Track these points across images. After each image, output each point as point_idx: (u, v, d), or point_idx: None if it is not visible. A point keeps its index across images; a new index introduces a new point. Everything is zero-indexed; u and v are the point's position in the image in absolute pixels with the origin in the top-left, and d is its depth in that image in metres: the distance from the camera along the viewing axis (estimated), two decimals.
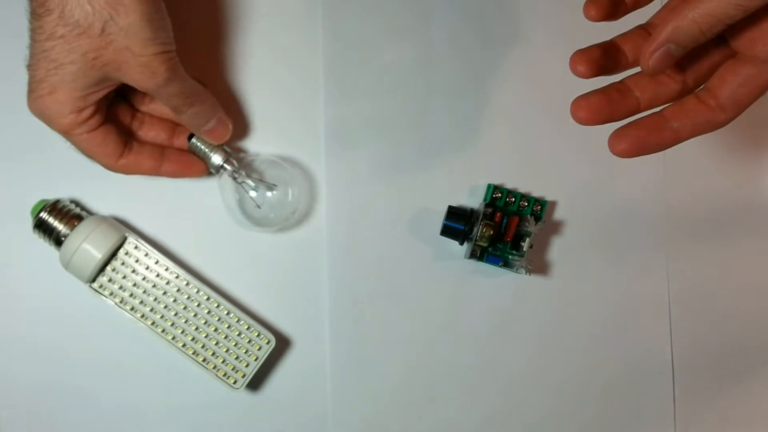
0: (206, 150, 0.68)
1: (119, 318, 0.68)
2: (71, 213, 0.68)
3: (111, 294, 0.68)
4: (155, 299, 0.68)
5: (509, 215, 0.71)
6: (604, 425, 0.76)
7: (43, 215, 0.67)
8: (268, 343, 0.69)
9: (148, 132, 0.68)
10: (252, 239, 0.73)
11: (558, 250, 0.76)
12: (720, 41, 0.50)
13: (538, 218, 0.73)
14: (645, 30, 0.54)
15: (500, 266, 0.71)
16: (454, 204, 0.73)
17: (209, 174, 0.70)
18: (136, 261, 0.68)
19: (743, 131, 0.78)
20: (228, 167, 0.68)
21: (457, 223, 0.71)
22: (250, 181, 0.69)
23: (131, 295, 0.68)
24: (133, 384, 0.72)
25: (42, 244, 0.68)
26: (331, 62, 0.74)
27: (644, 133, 0.51)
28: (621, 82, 0.53)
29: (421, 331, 0.75)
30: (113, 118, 0.64)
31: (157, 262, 0.68)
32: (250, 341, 0.69)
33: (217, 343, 0.68)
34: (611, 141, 0.51)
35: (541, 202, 0.73)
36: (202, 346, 0.68)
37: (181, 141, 0.69)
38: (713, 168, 0.77)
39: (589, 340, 0.76)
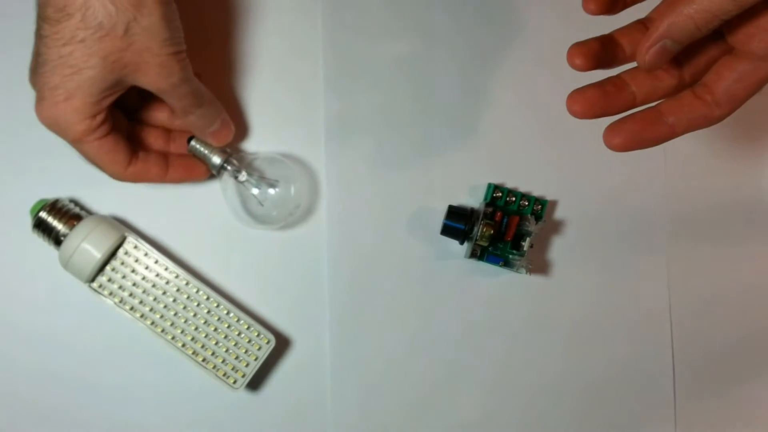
0: (206, 152, 0.68)
1: (119, 318, 0.68)
2: (70, 212, 0.68)
3: (110, 294, 0.68)
4: (155, 299, 0.68)
5: (509, 215, 0.71)
6: (605, 425, 0.76)
7: (43, 215, 0.67)
8: (267, 342, 0.69)
9: (146, 139, 0.68)
10: (251, 239, 0.73)
11: (558, 249, 0.76)
12: (717, 37, 0.50)
13: (538, 218, 0.72)
14: (643, 24, 0.54)
15: (500, 266, 0.71)
16: (455, 203, 0.73)
17: (211, 176, 0.70)
18: (136, 261, 0.68)
19: (744, 131, 0.78)
20: (229, 167, 0.69)
21: (458, 223, 0.71)
22: (251, 180, 0.69)
23: (131, 294, 0.68)
24: (133, 384, 0.72)
25: (41, 244, 0.68)
26: (331, 62, 0.74)
27: (639, 127, 0.51)
28: (617, 76, 0.53)
29: (421, 330, 0.74)
30: (117, 126, 0.64)
31: (156, 262, 0.68)
32: (249, 341, 0.69)
33: (216, 343, 0.68)
34: (606, 134, 0.51)
35: (541, 202, 0.73)
36: (202, 346, 0.68)
37: (176, 146, 0.69)
38: (714, 168, 0.77)
39: (588, 339, 0.76)
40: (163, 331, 0.68)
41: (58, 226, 0.67)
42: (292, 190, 0.70)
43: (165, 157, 0.67)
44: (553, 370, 0.76)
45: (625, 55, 0.53)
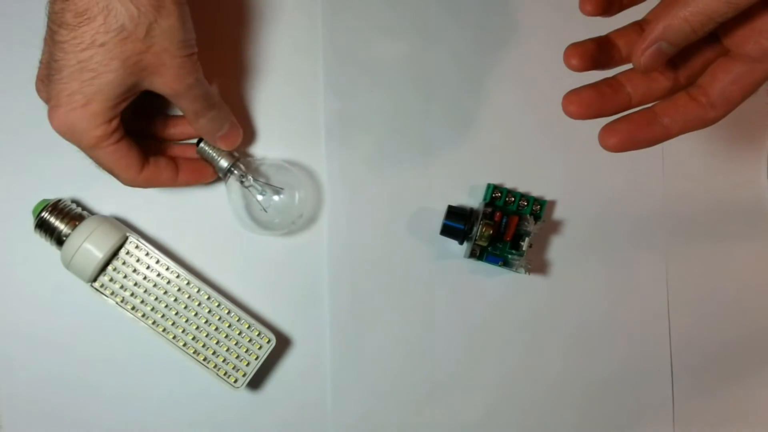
0: (214, 155, 0.69)
1: (120, 317, 0.69)
2: (72, 213, 0.68)
3: (112, 293, 0.68)
4: (156, 299, 0.68)
5: (509, 215, 0.71)
6: (603, 424, 0.76)
7: (45, 215, 0.67)
8: (268, 342, 0.69)
9: (151, 145, 0.69)
10: (252, 239, 0.73)
11: (557, 249, 0.76)
12: (712, 39, 0.50)
13: (537, 218, 0.73)
14: (640, 26, 0.54)
15: (500, 265, 0.71)
16: (454, 203, 0.74)
17: (218, 179, 0.71)
18: (137, 260, 0.68)
19: (741, 131, 0.78)
20: (236, 171, 0.69)
21: (457, 223, 0.72)
22: (257, 185, 0.69)
23: (132, 294, 0.68)
24: (134, 383, 0.72)
25: (43, 244, 0.69)
26: (331, 62, 0.75)
27: (634, 128, 0.51)
28: (613, 77, 0.53)
29: (420, 330, 0.75)
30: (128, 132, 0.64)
31: (158, 262, 0.69)
32: (250, 340, 0.69)
33: (217, 343, 0.69)
34: (602, 135, 0.52)
35: (540, 202, 0.73)
36: (203, 345, 0.69)
37: (177, 152, 0.70)
38: (712, 168, 0.77)
39: (587, 339, 0.76)
40: (164, 330, 0.68)
41: (60, 226, 0.67)
42: (297, 198, 0.70)
43: (174, 160, 0.68)
44: (552, 370, 0.76)
45: (621, 57, 0.53)
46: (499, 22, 0.76)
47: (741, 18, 0.46)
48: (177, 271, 0.69)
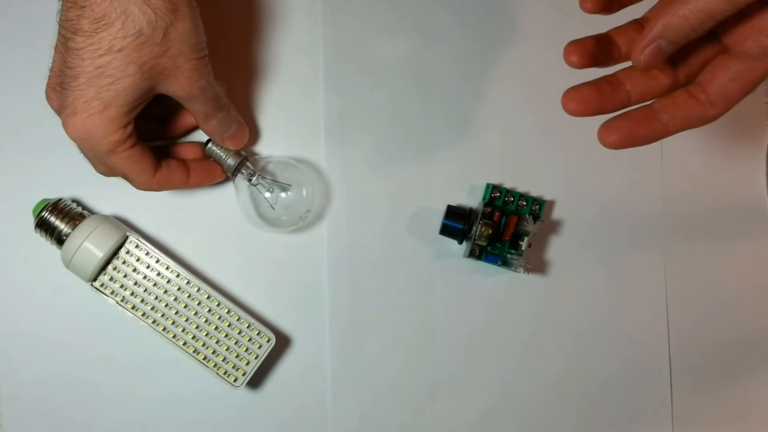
0: (223, 154, 0.69)
1: (120, 316, 0.69)
2: (72, 212, 0.68)
3: (112, 293, 0.68)
4: (156, 298, 0.68)
5: (508, 214, 0.72)
6: (602, 423, 0.76)
7: (45, 214, 0.67)
8: (268, 341, 0.69)
9: (160, 148, 0.69)
10: (252, 238, 0.73)
11: (556, 249, 0.76)
12: (711, 37, 0.51)
13: (536, 217, 0.73)
14: (639, 24, 0.54)
15: (499, 265, 0.71)
16: (453, 203, 0.74)
17: (227, 177, 0.71)
18: (137, 260, 0.69)
19: (740, 130, 0.78)
20: (243, 170, 0.69)
21: (456, 223, 0.72)
22: (264, 183, 0.70)
23: (132, 293, 0.68)
24: (134, 382, 0.72)
25: (43, 243, 0.69)
26: (331, 61, 0.75)
27: (633, 125, 0.51)
28: (612, 75, 0.53)
29: (420, 329, 0.75)
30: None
31: (158, 261, 0.69)
32: (250, 339, 0.69)
33: (217, 342, 0.69)
34: (601, 132, 0.52)
35: (539, 202, 0.73)
36: (203, 345, 0.69)
37: (186, 154, 0.71)
38: (711, 167, 0.78)
39: (586, 339, 0.76)
40: (164, 329, 0.68)
41: (61, 225, 0.67)
42: (304, 194, 0.70)
43: (184, 162, 0.68)
44: (551, 369, 0.76)
45: (620, 54, 0.53)
46: (499, 21, 0.76)
47: (740, 16, 0.47)
48: (177, 270, 0.69)
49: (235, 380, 0.69)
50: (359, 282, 0.74)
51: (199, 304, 0.69)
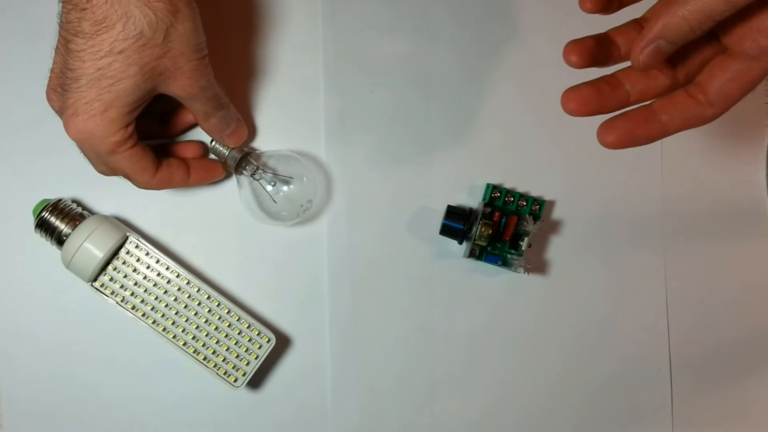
0: (225, 151, 0.70)
1: (120, 317, 0.69)
2: (73, 212, 0.68)
3: (112, 293, 0.68)
4: (156, 298, 0.69)
5: (508, 215, 0.72)
6: (602, 423, 0.76)
7: (45, 215, 0.67)
8: (268, 341, 0.70)
9: (160, 147, 0.69)
10: (252, 238, 0.74)
11: (556, 249, 0.76)
12: (711, 37, 0.50)
13: (536, 217, 0.73)
14: (639, 24, 0.54)
15: (499, 265, 0.71)
16: (453, 203, 0.74)
17: (229, 174, 0.72)
18: (137, 260, 0.69)
19: (739, 130, 0.78)
20: (246, 165, 0.69)
21: (456, 223, 0.72)
22: (266, 177, 0.70)
23: (132, 294, 0.68)
24: (134, 382, 0.73)
25: (44, 244, 0.69)
26: (331, 61, 0.75)
27: (633, 125, 0.51)
28: (612, 75, 0.53)
29: (420, 329, 0.75)
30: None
31: (158, 261, 0.69)
32: (250, 340, 0.69)
33: (217, 342, 0.69)
34: (600, 132, 0.52)
35: (539, 202, 0.73)
36: (203, 345, 0.69)
37: (185, 152, 0.71)
38: (711, 167, 0.78)
39: (586, 339, 0.76)
40: (164, 329, 0.68)
41: (61, 225, 0.67)
42: (305, 184, 0.70)
43: (184, 161, 0.68)
44: (551, 370, 0.76)
45: (620, 54, 0.53)
46: (499, 21, 0.76)
47: (739, 16, 0.47)
48: (177, 270, 0.69)
49: (235, 380, 0.69)
50: (359, 282, 0.74)
51: (199, 304, 0.69)
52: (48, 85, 0.60)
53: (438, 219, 0.73)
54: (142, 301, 0.68)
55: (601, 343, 0.76)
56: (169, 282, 0.69)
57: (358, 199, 0.75)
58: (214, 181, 0.72)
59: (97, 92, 0.57)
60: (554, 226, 0.76)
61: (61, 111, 0.59)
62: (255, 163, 0.70)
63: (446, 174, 0.75)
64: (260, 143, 0.74)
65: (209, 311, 0.69)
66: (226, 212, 0.73)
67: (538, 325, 0.76)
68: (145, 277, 0.69)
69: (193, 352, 0.68)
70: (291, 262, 0.74)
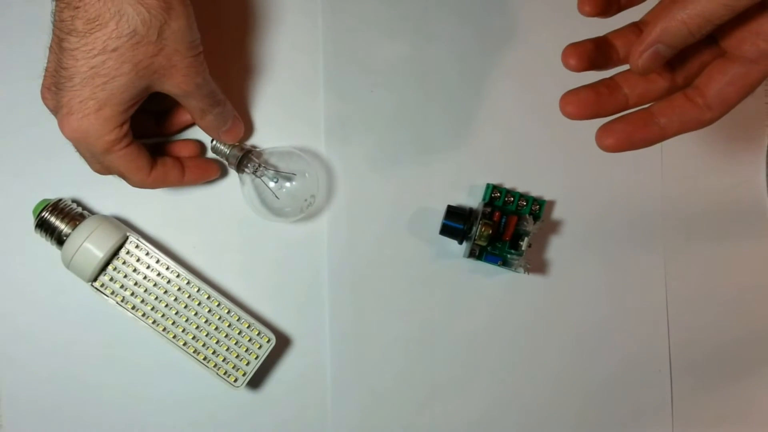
0: (227, 150, 0.70)
1: (121, 317, 0.69)
2: (73, 212, 0.68)
3: (112, 293, 0.68)
4: (156, 298, 0.69)
5: (508, 215, 0.72)
6: (602, 423, 0.76)
7: (45, 215, 0.68)
8: (268, 341, 0.70)
9: (155, 146, 0.70)
10: (252, 238, 0.74)
11: (556, 249, 0.76)
12: (709, 40, 0.50)
13: (536, 217, 0.73)
14: (638, 27, 0.54)
15: (499, 265, 0.71)
16: (453, 203, 0.74)
17: (225, 173, 0.72)
18: (138, 260, 0.69)
19: (739, 132, 0.78)
20: (248, 163, 0.70)
21: (456, 223, 0.72)
22: (268, 174, 0.70)
23: (132, 294, 0.68)
24: (134, 382, 0.73)
25: (44, 244, 0.69)
26: (331, 61, 0.75)
27: (631, 128, 0.51)
28: (610, 78, 0.53)
29: (420, 329, 0.75)
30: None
31: (158, 261, 0.69)
32: (250, 340, 0.69)
33: (217, 342, 0.69)
34: (599, 135, 0.52)
35: (539, 202, 0.73)
36: (203, 345, 0.69)
37: (181, 151, 0.71)
38: (710, 167, 0.78)
39: (586, 339, 0.76)
40: (164, 329, 0.68)
41: (61, 225, 0.67)
42: (307, 180, 0.70)
43: (179, 160, 0.69)
44: (551, 369, 0.76)
45: (618, 57, 0.53)
46: (499, 21, 0.76)
47: (738, 20, 0.46)
48: (177, 270, 0.69)
49: (236, 380, 0.69)
50: (359, 282, 0.74)
51: (199, 304, 0.69)
52: (42, 84, 0.60)
53: (438, 219, 0.73)
54: (142, 301, 0.68)
55: (601, 343, 0.76)
56: (169, 282, 0.69)
57: (358, 199, 0.75)
58: (209, 180, 0.72)
59: (91, 90, 0.56)
60: (554, 226, 0.76)
61: (55, 110, 0.59)
62: (257, 160, 0.70)
63: (446, 174, 0.75)
64: (261, 143, 0.74)
65: (209, 311, 0.69)
66: (226, 212, 0.73)
67: (538, 325, 0.76)
68: (145, 277, 0.69)
69: (193, 352, 0.69)
70: (291, 262, 0.74)
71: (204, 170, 0.70)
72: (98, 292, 0.68)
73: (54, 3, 0.56)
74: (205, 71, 0.62)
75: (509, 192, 0.73)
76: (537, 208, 0.73)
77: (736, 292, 0.78)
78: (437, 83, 0.76)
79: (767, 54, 0.48)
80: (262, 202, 0.70)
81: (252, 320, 0.70)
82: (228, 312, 0.69)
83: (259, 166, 0.70)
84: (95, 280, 0.68)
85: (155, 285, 0.69)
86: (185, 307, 0.69)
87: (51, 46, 0.58)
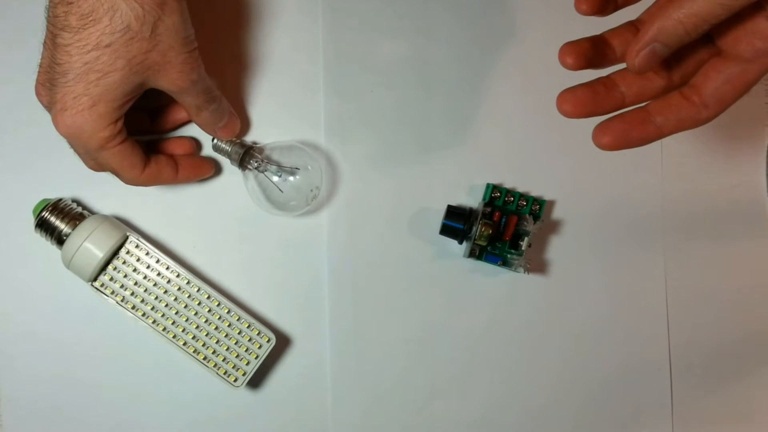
0: (228, 148, 0.70)
1: (121, 317, 0.69)
2: (73, 212, 0.68)
3: (112, 293, 0.68)
4: (156, 298, 0.69)
5: (508, 214, 0.72)
6: (602, 423, 0.76)
7: (45, 214, 0.68)
8: (268, 341, 0.70)
9: (149, 143, 0.70)
10: (252, 238, 0.74)
11: (556, 249, 0.76)
12: (706, 39, 0.50)
13: (536, 217, 0.73)
14: (634, 26, 0.54)
15: (499, 265, 0.71)
16: (453, 203, 0.74)
17: (219, 171, 0.72)
18: (138, 260, 0.69)
19: (740, 131, 0.78)
20: (251, 159, 0.70)
21: (456, 223, 0.72)
22: (271, 168, 0.70)
23: (132, 293, 0.68)
24: (135, 382, 0.73)
25: (44, 244, 0.69)
26: (331, 62, 0.75)
27: (628, 126, 0.52)
28: (607, 77, 0.53)
29: (420, 329, 0.75)
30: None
31: (158, 261, 0.69)
32: (250, 339, 0.69)
33: (217, 342, 0.69)
34: (595, 133, 0.52)
35: (539, 202, 0.73)
36: (203, 345, 0.69)
37: (175, 149, 0.71)
38: (710, 167, 0.77)
39: (586, 339, 0.76)
40: (164, 329, 0.68)
41: (61, 225, 0.67)
42: (310, 172, 0.70)
43: (173, 158, 0.69)
44: (551, 368, 0.76)
45: (615, 56, 0.53)
46: (499, 22, 0.76)
47: (734, 19, 0.46)
48: (177, 270, 0.69)
49: (236, 380, 0.69)
50: (359, 282, 0.74)
51: (199, 304, 0.69)
52: (37, 80, 0.60)
53: (438, 219, 0.73)
54: (142, 301, 0.68)
55: (601, 343, 0.76)
56: (169, 282, 0.69)
57: (358, 199, 0.75)
58: (203, 178, 0.72)
59: (85, 86, 0.56)
60: (554, 226, 0.76)
61: (49, 106, 0.59)
62: (259, 156, 0.70)
63: (446, 174, 0.75)
64: (261, 142, 0.73)
65: (209, 311, 0.69)
66: (226, 212, 0.73)
67: (538, 325, 0.76)
68: (145, 277, 0.69)
69: (193, 351, 0.69)
70: (291, 261, 0.74)
71: (198, 168, 0.71)
72: (98, 291, 0.68)
73: None
74: (200, 67, 0.62)
75: (509, 192, 0.73)
76: (537, 208, 0.73)
77: (736, 292, 0.77)
78: (437, 83, 0.76)
79: (763, 53, 0.48)
80: (266, 197, 0.71)
81: (252, 320, 0.70)
82: (228, 312, 0.69)
83: (262, 161, 0.70)
84: (95, 279, 0.68)
85: (155, 285, 0.69)
86: (185, 306, 0.69)
87: (45, 41, 0.58)
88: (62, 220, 0.68)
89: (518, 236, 0.71)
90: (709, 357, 0.77)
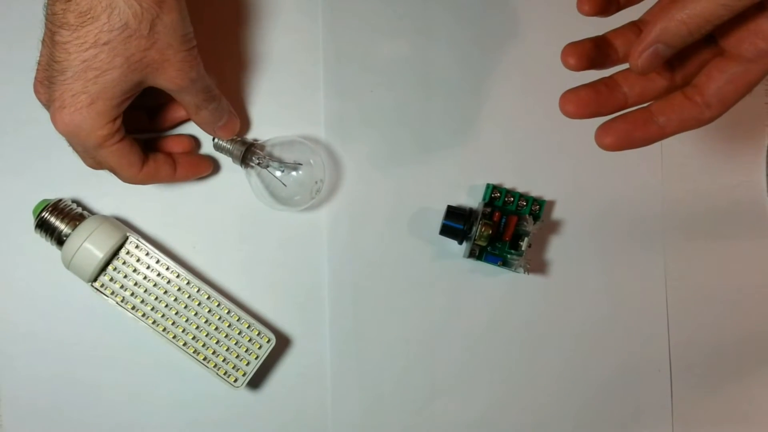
0: (229, 146, 0.70)
1: (121, 317, 0.69)
2: (73, 213, 0.68)
3: (112, 293, 0.68)
4: (156, 298, 0.69)
5: (508, 215, 0.72)
6: (602, 423, 0.76)
7: (45, 215, 0.68)
8: (268, 341, 0.70)
9: (148, 141, 0.70)
10: (251, 238, 0.74)
11: (556, 249, 0.76)
12: (708, 39, 0.50)
13: (536, 218, 0.73)
14: (637, 26, 0.54)
15: (499, 265, 0.71)
16: (453, 203, 0.74)
17: (218, 169, 0.72)
18: (138, 260, 0.69)
19: (741, 131, 0.78)
20: (253, 156, 0.70)
21: (456, 223, 0.72)
22: (274, 164, 0.70)
23: (132, 294, 0.68)
24: (135, 382, 0.73)
25: (44, 244, 0.69)
26: (331, 62, 0.75)
27: (630, 127, 0.52)
28: (610, 77, 0.53)
29: (420, 329, 0.75)
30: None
31: (158, 262, 0.69)
32: (250, 340, 0.69)
33: (217, 342, 0.69)
34: (598, 134, 0.52)
35: (539, 202, 0.73)
36: (203, 345, 0.69)
37: (173, 147, 0.71)
38: (711, 167, 0.77)
39: (586, 339, 0.76)
40: (164, 330, 0.68)
41: (61, 226, 0.67)
42: (313, 166, 0.70)
43: (171, 156, 0.68)
44: (551, 368, 0.76)
45: (618, 57, 0.53)
46: (500, 21, 0.76)
47: (737, 19, 0.46)
48: (177, 270, 0.69)
49: (236, 380, 0.69)
50: (359, 282, 0.74)
51: (199, 304, 0.69)
52: (35, 78, 0.60)
53: (438, 219, 0.73)
54: (142, 302, 0.68)
55: (601, 343, 0.76)
56: (169, 282, 0.69)
57: (358, 199, 0.75)
58: (202, 177, 0.72)
59: (83, 84, 0.56)
60: (554, 227, 0.76)
61: (48, 104, 0.59)
62: (261, 153, 0.70)
63: (446, 174, 0.75)
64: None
65: (209, 311, 0.69)
66: (226, 212, 0.73)
67: (538, 325, 0.76)
68: (145, 277, 0.69)
69: (193, 352, 0.69)
70: (291, 262, 0.74)
71: (196, 166, 0.71)
72: (98, 292, 0.68)
73: None
74: (199, 66, 0.61)
75: (509, 192, 0.73)
76: (537, 208, 0.73)
77: (736, 292, 0.77)
78: (437, 83, 0.76)
79: (766, 53, 0.48)
80: (271, 193, 0.70)
81: (252, 320, 0.70)
82: (228, 312, 0.69)
83: (264, 158, 0.70)
84: (95, 280, 0.68)
85: (155, 285, 0.69)
86: (185, 307, 0.69)
87: (43, 39, 0.58)
88: (62, 220, 0.68)
89: (518, 236, 0.71)
90: (709, 357, 0.77)
